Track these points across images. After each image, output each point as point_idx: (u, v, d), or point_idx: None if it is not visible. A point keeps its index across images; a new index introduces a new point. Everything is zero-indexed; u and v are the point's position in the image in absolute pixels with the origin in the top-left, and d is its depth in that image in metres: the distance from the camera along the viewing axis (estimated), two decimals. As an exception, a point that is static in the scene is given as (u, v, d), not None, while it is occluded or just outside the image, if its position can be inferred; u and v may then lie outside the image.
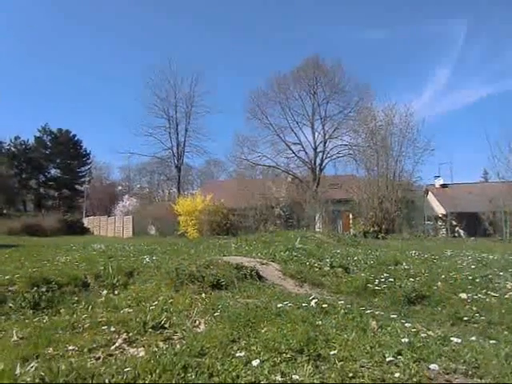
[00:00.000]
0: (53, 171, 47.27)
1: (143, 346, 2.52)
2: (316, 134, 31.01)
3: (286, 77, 31.75)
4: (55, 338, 2.63)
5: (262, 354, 2.06)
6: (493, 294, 4.87)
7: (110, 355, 2.35)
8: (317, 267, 5.58)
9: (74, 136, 47.78)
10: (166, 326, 2.95)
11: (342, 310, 3.02)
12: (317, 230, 21.17)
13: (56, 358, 2.24)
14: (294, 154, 31.01)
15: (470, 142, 55.92)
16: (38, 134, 46.07)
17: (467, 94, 56.88)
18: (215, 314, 3.00)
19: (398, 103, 22.77)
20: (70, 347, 2.40)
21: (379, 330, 2.65)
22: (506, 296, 4.75)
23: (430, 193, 30.25)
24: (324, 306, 3.08)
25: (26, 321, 3.27)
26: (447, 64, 57.30)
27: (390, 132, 22.37)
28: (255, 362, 1.94)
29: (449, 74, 55.66)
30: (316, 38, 53.95)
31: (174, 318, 3.14)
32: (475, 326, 3.95)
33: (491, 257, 8.25)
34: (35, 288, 3.87)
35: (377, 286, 5.07)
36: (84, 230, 29.36)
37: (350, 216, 23.14)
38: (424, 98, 52.50)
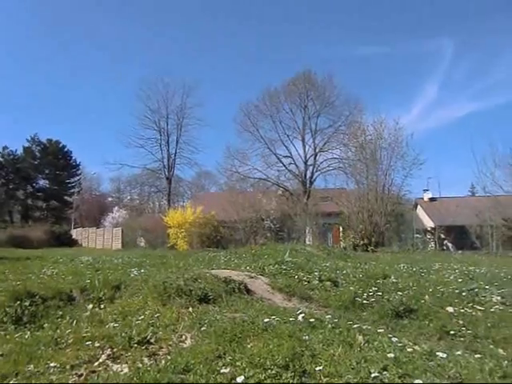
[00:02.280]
0: (41, 182, 46.49)
1: (127, 362, 2.47)
2: (306, 147, 31.40)
3: (277, 90, 32.29)
4: (37, 355, 2.56)
5: (247, 370, 2.04)
6: (479, 307, 4.93)
7: (93, 372, 2.30)
8: (305, 281, 5.57)
9: (64, 147, 47.28)
10: (152, 340, 2.90)
11: (329, 325, 3.02)
12: (307, 242, 21.18)
13: (36, 375, 2.18)
14: (284, 167, 31.25)
15: (458, 156, 57.36)
16: (26, 145, 45.52)
17: (454, 109, 58.62)
18: (202, 329, 2.96)
19: (387, 118, 23.27)
20: (52, 364, 2.34)
21: (366, 344, 2.65)
22: (492, 310, 4.81)
23: (419, 206, 30.71)
24: (311, 320, 3.08)
25: (7, 336, 3.16)
26: (435, 80, 59.17)
27: (379, 146, 22.80)
28: (240, 379, 1.92)
29: (437, 90, 57.37)
30: (307, 52, 55.23)
31: (161, 332, 3.09)
32: (461, 339, 3.99)
33: (478, 270, 8.37)
34: (18, 302, 3.75)
35: (365, 299, 5.09)
36: (72, 242, 28.79)
37: (340, 229, 23.26)
38: (413, 113, 53.91)
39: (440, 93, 56.99)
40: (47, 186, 46.13)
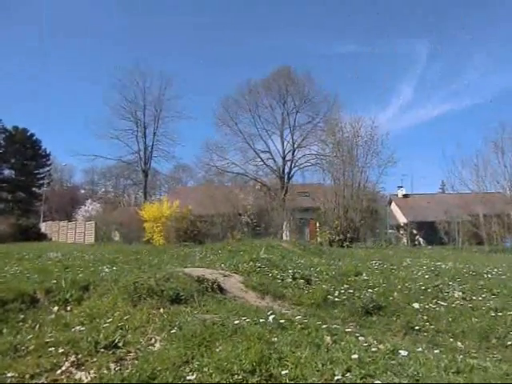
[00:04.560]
0: (6, 172, 44.04)
1: (93, 369, 2.40)
2: (285, 142, 31.66)
3: (257, 85, 32.23)
4: (-8, 364, 2.43)
5: (213, 376, 2.04)
6: (442, 303, 5.20)
7: (55, 381, 2.21)
8: (279, 279, 5.64)
9: (32, 135, 44.92)
10: (120, 344, 2.83)
11: (299, 325, 3.07)
12: (284, 238, 21.43)
13: (-9, 387, 2.07)
14: (262, 162, 31.39)
15: (431, 155, 59.75)
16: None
17: (428, 110, 60.73)
18: (171, 332, 2.93)
19: (364, 116, 23.77)
20: (10, 374, 2.22)
21: (333, 345, 2.72)
22: (453, 305, 5.10)
23: (393, 202, 31.78)
24: (281, 321, 3.12)
25: (-38, 343, 2.98)
26: (411, 80, 61.01)
27: (355, 144, 23.26)
28: (205, 386, 1.92)
29: (412, 90, 59.19)
30: (287, 47, 55.39)
31: (130, 335, 3.03)
32: (425, 334, 4.21)
33: (443, 266, 8.78)
34: (-25, 305, 3.54)
35: (337, 297, 5.22)
36: (41, 236, 27.58)
37: (317, 224, 23.66)
38: (389, 112, 55.37)
39: (415, 93, 58.91)
40: (13, 176, 43.79)
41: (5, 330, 3.22)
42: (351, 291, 5.48)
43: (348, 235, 20.19)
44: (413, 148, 56.43)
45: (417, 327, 4.38)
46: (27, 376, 2.22)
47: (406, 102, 59.45)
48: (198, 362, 2.23)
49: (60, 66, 61.50)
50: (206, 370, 2.11)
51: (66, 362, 2.47)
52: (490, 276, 7.33)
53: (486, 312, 4.76)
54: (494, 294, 5.67)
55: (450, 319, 4.63)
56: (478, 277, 7.24)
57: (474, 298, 5.45)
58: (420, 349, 2.96)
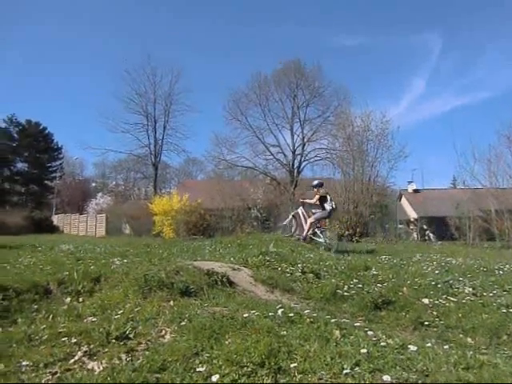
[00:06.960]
0: (19, 165, 44.97)
1: (104, 359, 2.45)
2: (295, 136, 31.48)
3: (267, 79, 32.04)
4: (8, 353, 2.49)
5: (223, 367, 2.06)
6: (452, 298, 5.13)
7: (68, 370, 2.27)
8: (288, 273, 5.63)
9: (45, 129, 45.70)
10: (131, 336, 2.89)
11: (308, 319, 3.07)
12: (293, 232, 21.37)
13: (7, 375, 2.13)
14: (272, 156, 31.30)
15: (442, 149, 58.86)
16: (3, 125, 43.69)
17: (440, 104, 59.56)
18: (181, 324, 2.96)
19: (374, 110, 23.41)
20: (24, 362, 2.28)
21: (342, 339, 2.71)
22: (463, 300, 5.02)
23: (403, 197, 31.44)
24: (290, 315, 3.12)
25: (-23, 333, 3.07)
26: (423, 74, 59.90)
27: (366, 138, 22.96)
28: (215, 378, 1.94)
29: (425, 83, 58.13)
30: (296, 41, 54.77)
31: (140, 327, 3.08)
32: (434, 330, 4.17)
33: (454, 261, 8.65)
34: (-11, 296, 3.63)
35: (346, 291, 5.19)
36: (53, 229, 28.24)
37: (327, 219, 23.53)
38: (400, 105, 54.57)
39: (427, 87, 57.83)
40: (26, 169, 44.70)
41: (19, 320, 3.31)
42: (360, 286, 5.44)
43: (357, 230, 20.06)
44: (424, 142, 55.55)
45: (426, 322, 4.34)
46: (41, 365, 2.28)
47: (418, 96, 58.44)
48: (207, 354, 2.26)
49: (69, 58, 62.06)
50: (215, 361, 2.14)
51: (79, 352, 2.53)
52: (501, 272, 7.18)
53: (496, 308, 4.68)
54: (505, 290, 5.56)
55: (460, 315, 4.56)
56: (489, 273, 7.10)
57: (484, 293, 5.36)
58: (429, 344, 2.94)
